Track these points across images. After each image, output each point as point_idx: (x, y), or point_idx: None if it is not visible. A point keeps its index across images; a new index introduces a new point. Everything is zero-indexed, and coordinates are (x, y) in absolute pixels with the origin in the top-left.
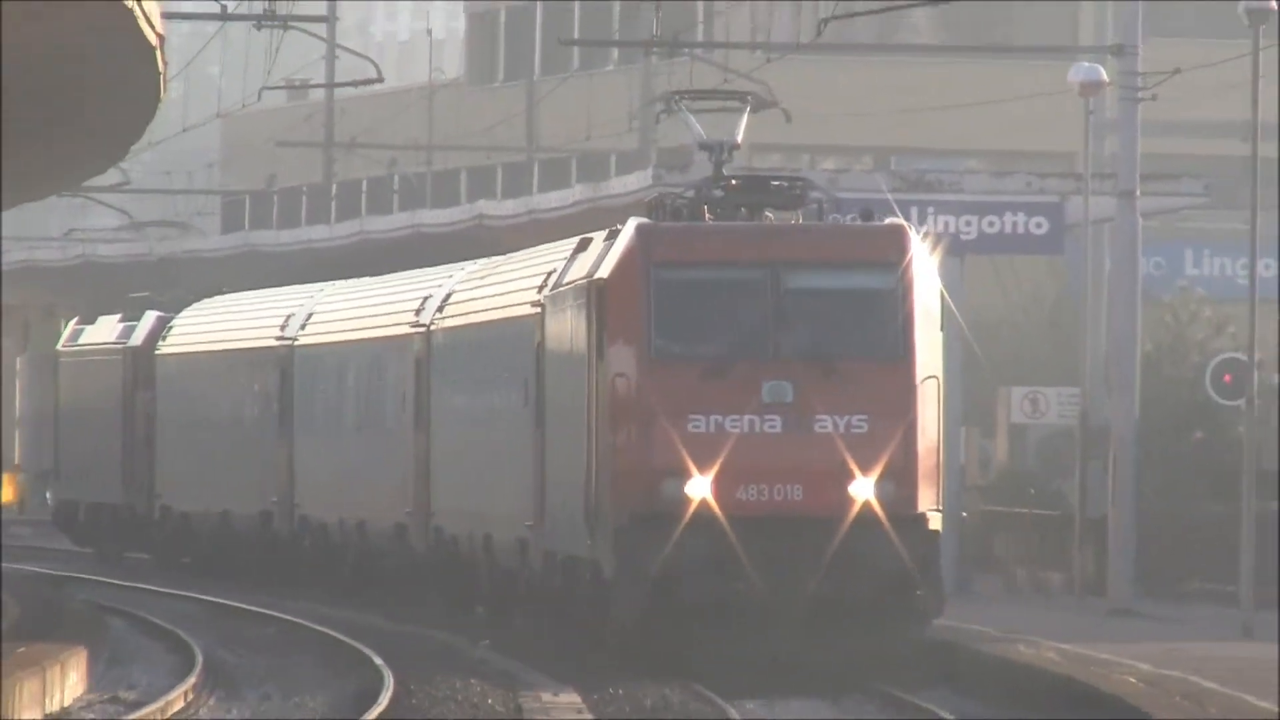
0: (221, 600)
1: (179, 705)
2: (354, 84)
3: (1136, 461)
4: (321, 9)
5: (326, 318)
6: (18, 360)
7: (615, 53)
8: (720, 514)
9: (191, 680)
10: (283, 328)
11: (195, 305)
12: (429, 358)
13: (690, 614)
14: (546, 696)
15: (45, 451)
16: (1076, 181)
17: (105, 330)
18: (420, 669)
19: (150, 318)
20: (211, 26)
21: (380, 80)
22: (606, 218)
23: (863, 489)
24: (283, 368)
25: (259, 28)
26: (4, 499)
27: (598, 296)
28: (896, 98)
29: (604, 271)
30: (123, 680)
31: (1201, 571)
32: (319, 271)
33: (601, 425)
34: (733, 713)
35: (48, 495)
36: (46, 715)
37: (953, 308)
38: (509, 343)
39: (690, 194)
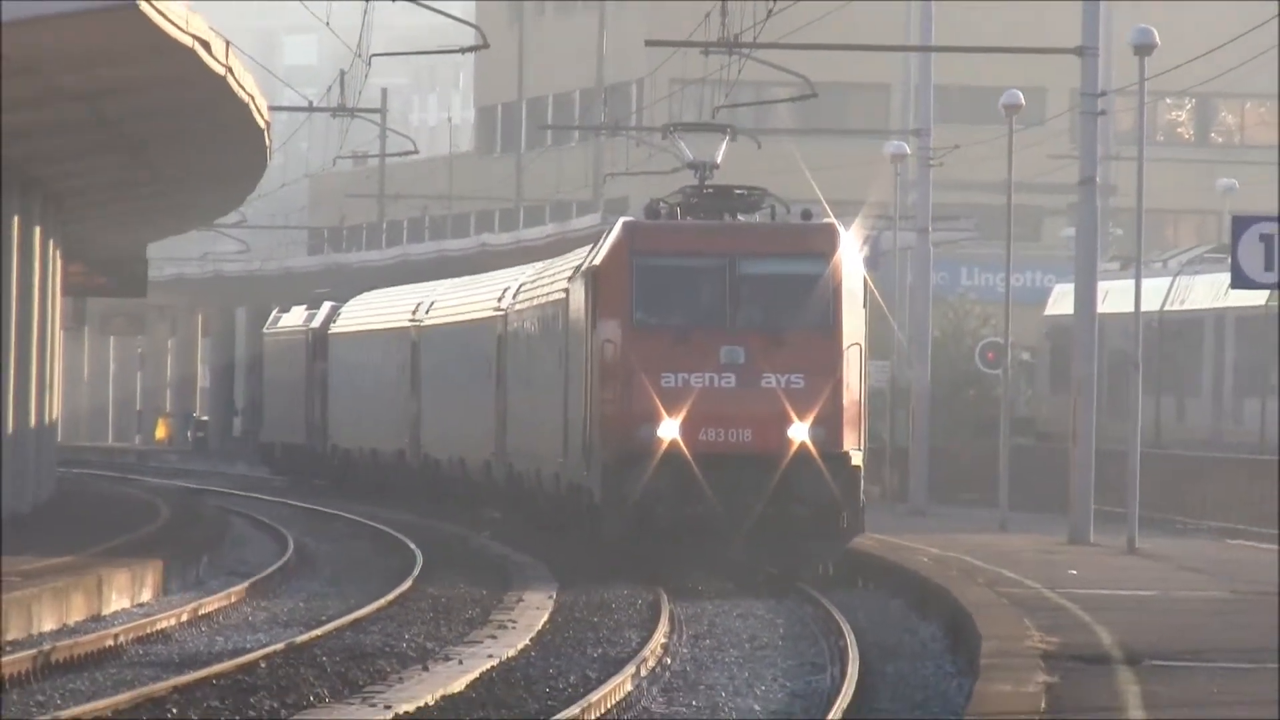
0: (309, 505)
1: (278, 573)
2: (398, 154)
3: (928, 411)
4: (377, 103)
5: (442, 305)
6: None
7: (576, 134)
8: (686, 452)
9: (285, 557)
10: (414, 313)
11: (357, 297)
12: (505, 334)
13: (661, 531)
14: (527, 568)
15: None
16: (889, 222)
17: (295, 316)
18: (442, 551)
19: (326, 306)
20: (302, 115)
21: (416, 152)
22: (570, 245)
23: (799, 432)
24: (414, 343)
25: (334, 116)
26: (158, 436)
27: (593, 279)
28: (766, 164)
29: (597, 260)
30: (239, 557)
31: (972, 485)
32: (376, 281)
33: (594, 381)
34: (663, 596)
35: (188, 434)
36: (185, 582)
37: (873, 289)
38: (549, 321)
39: (677, 199)
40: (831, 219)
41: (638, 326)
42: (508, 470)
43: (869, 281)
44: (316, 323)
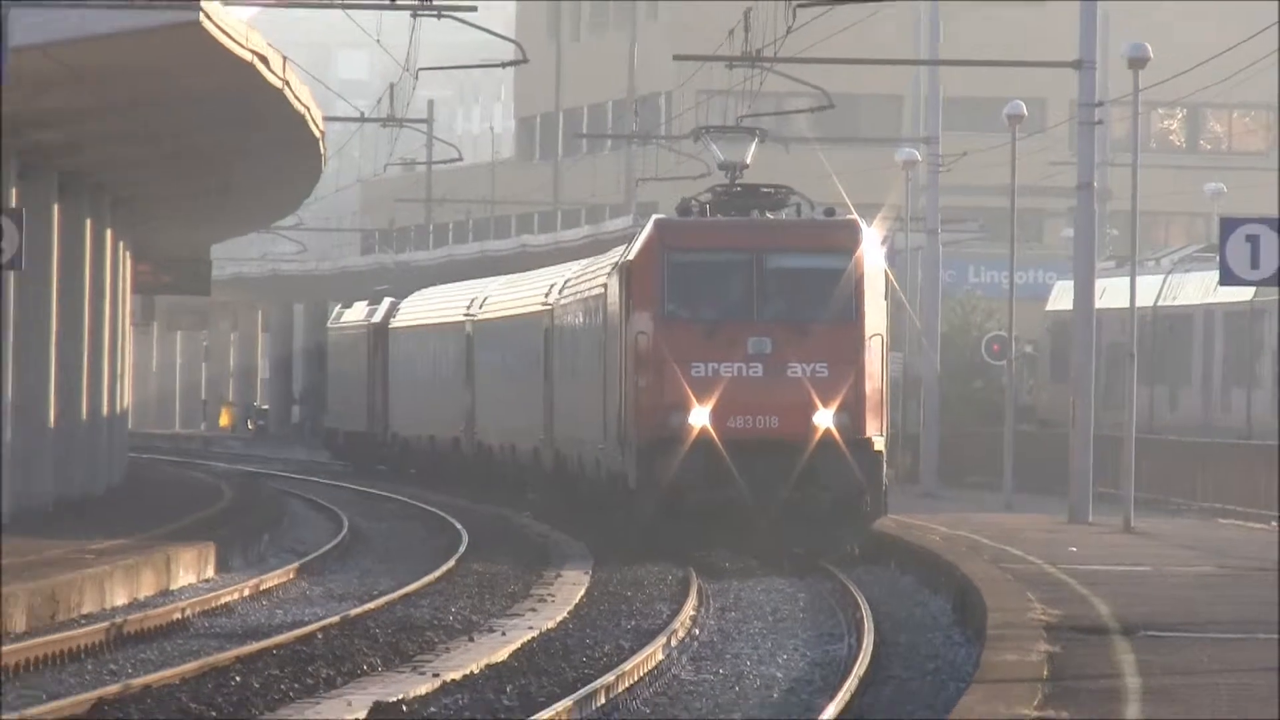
0: (363, 488)
1: (334, 551)
2: (444, 161)
3: (938, 399)
4: (424, 114)
5: (494, 301)
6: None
7: (609, 142)
8: (716, 438)
9: (340, 536)
10: (468, 308)
11: (415, 293)
12: (552, 328)
13: (692, 513)
14: (565, 546)
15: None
16: (901, 223)
17: (357, 312)
18: (485, 530)
19: (386, 302)
20: (354, 125)
21: (461, 159)
22: (604, 246)
23: (824, 419)
24: (468, 336)
25: (384, 126)
26: (221, 423)
27: (627, 274)
28: (786, 168)
29: (631, 255)
30: (297, 536)
31: (978, 469)
32: (424, 280)
33: (628, 371)
34: (693, 573)
35: (249, 422)
36: (247, 559)
37: (894, 283)
38: (590, 314)
39: (708, 198)
40: (854, 215)
41: (669, 318)
42: (554, 456)
43: (890, 275)
44: (378, 317)
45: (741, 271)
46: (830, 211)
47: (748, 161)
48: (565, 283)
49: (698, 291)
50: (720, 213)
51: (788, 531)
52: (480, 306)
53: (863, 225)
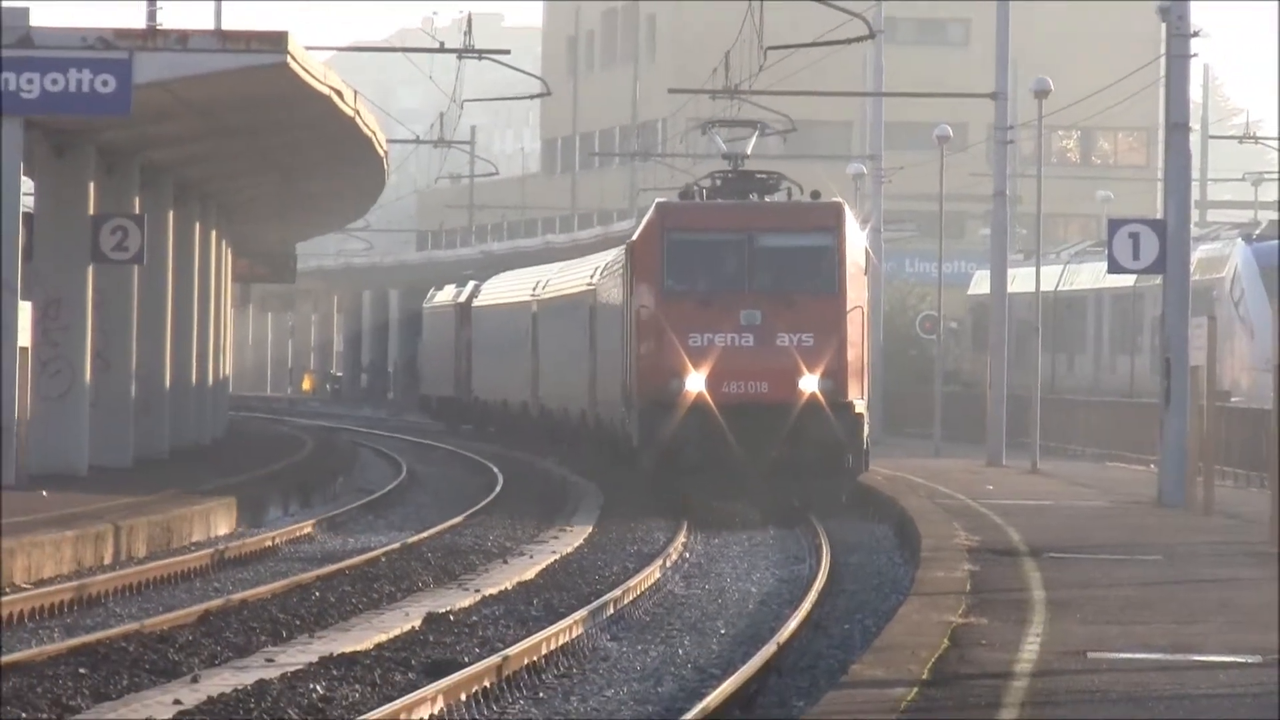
0: (419, 440)
1: (395, 491)
2: (484, 175)
3: (882, 365)
4: (467, 136)
5: (553, 284)
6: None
7: (616, 159)
8: (711, 401)
9: (400, 478)
10: (533, 290)
11: (493, 278)
12: (595, 305)
13: (689, 471)
14: (584, 489)
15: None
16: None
17: (446, 294)
18: (518, 472)
19: (470, 285)
20: (411, 146)
21: (497, 173)
22: (611, 243)
23: (809, 384)
24: (533, 314)
25: (435, 147)
26: (304, 387)
27: (631, 252)
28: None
29: (635, 236)
30: (365, 478)
31: (913, 422)
32: (468, 272)
33: (632, 341)
34: (683, 525)
35: (327, 386)
36: (324, 497)
37: (874, 258)
38: (618, 290)
39: (708, 184)
40: (838, 198)
41: (668, 292)
42: (596, 417)
43: (869, 253)
44: (463, 298)
45: (734, 249)
46: (816, 195)
47: (748, 152)
48: (605, 266)
49: (694, 267)
50: (719, 197)
51: (780, 486)
52: (543, 288)
53: (845, 207)
